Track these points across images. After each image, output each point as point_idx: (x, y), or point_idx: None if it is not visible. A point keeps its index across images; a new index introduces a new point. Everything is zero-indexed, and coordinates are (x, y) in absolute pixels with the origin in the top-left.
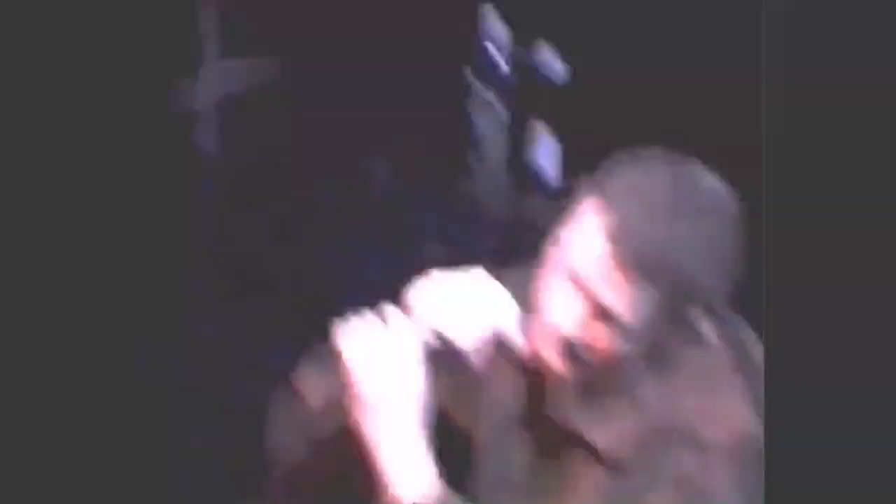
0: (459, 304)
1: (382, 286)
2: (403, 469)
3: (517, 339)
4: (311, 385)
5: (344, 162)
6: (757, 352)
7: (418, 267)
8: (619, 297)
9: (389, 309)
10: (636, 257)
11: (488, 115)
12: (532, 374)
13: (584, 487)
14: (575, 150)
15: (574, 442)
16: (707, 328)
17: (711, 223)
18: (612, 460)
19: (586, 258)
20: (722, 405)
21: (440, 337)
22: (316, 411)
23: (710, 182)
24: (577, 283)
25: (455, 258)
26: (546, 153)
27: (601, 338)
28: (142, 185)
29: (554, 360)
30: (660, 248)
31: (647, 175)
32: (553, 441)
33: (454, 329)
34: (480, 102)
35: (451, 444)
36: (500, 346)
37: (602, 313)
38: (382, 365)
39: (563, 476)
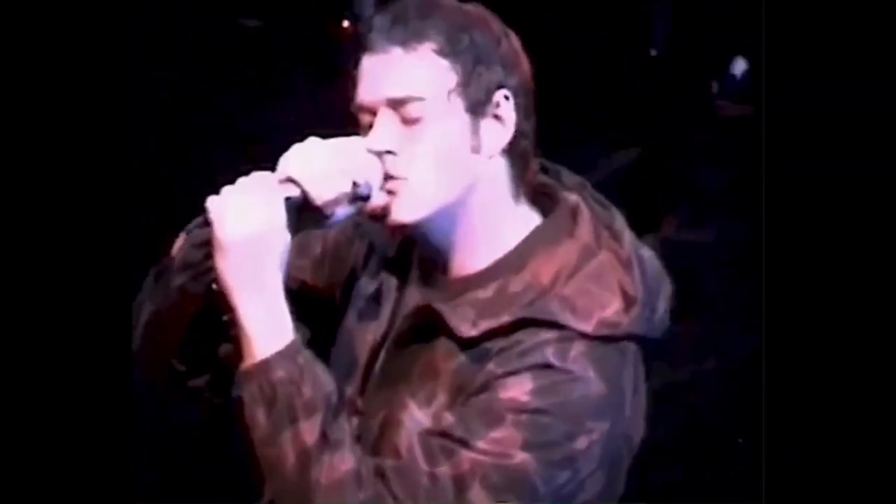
0: (326, 162)
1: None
2: (261, 320)
3: (377, 199)
4: (179, 243)
5: None
6: (627, 237)
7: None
8: None
9: (259, 171)
10: None
11: None
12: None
13: (443, 370)
14: None
15: (433, 321)
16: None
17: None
18: (472, 345)
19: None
20: (588, 295)
21: (303, 192)
22: (176, 265)
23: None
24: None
25: None
26: None
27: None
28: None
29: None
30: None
31: None
32: (413, 322)
33: (317, 185)
34: None
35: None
36: (359, 204)
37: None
38: (244, 217)
39: (422, 356)
